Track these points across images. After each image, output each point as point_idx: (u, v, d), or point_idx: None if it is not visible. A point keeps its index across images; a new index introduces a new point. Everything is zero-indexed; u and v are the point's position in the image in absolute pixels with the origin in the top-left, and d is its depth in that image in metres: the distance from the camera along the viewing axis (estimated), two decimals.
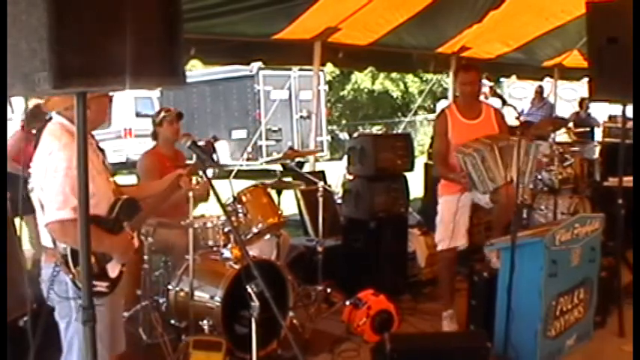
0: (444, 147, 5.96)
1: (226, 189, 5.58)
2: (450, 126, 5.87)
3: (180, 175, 4.27)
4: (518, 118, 5.50)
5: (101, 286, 3.57)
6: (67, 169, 3.27)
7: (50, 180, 3.35)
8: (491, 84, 13.75)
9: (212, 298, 5.14)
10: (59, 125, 3.51)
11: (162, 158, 6.12)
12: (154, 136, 6.28)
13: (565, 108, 17.18)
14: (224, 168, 5.31)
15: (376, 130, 27.76)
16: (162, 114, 6.19)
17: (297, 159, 10.92)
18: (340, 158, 16.43)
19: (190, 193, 5.06)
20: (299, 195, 8.13)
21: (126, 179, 12.07)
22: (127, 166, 16.83)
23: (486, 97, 12.84)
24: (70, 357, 3.58)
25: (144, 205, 3.99)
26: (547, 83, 15.27)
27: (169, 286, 5.49)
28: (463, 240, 5.90)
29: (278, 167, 8.97)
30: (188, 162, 5.81)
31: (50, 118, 3.62)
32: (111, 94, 3.76)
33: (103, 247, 3.56)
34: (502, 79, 18.88)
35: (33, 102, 7.19)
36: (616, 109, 8.99)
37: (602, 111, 13.45)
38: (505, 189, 5.65)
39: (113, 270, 3.66)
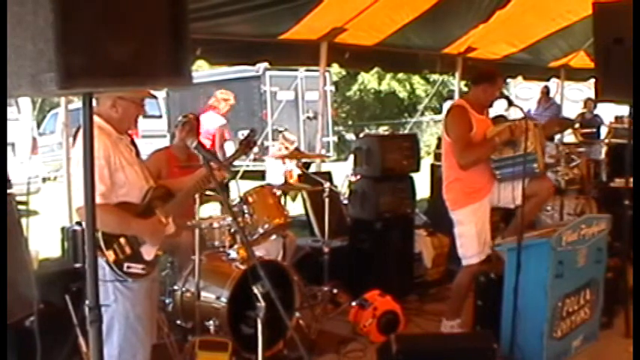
0: (470, 140, 5.50)
1: (233, 189, 5.59)
2: (473, 121, 5.53)
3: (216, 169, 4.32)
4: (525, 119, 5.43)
5: (136, 267, 3.76)
6: (94, 159, 3.36)
7: (81, 169, 3.47)
8: None
9: (218, 298, 5.15)
10: (94, 122, 3.62)
11: (170, 158, 6.18)
12: (173, 136, 6.56)
13: (571, 108, 17.14)
14: (230, 168, 5.35)
15: (382, 130, 27.73)
16: (180, 118, 6.34)
17: (304, 160, 10.92)
18: (346, 159, 16.41)
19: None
20: (305, 195, 8.13)
21: None
22: None
23: None
24: (109, 340, 3.67)
25: (180, 195, 4.21)
26: (553, 84, 15.25)
27: (175, 287, 5.51)
28: (490, 249, 5.69)
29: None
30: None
31: None
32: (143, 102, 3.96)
33: (131, 229, 3.75)
34: (508, 80, 18.82)
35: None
36: (622, 109, 9.00)
37: (608, 112, 13.44)
38: (545, 180, 5.67)
39: (148, 253, 3.84)
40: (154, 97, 4.30)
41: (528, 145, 5.26)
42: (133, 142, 4.04)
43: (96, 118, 3.61)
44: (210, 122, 8.88)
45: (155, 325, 4.19)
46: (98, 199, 3.25)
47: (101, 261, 3.59)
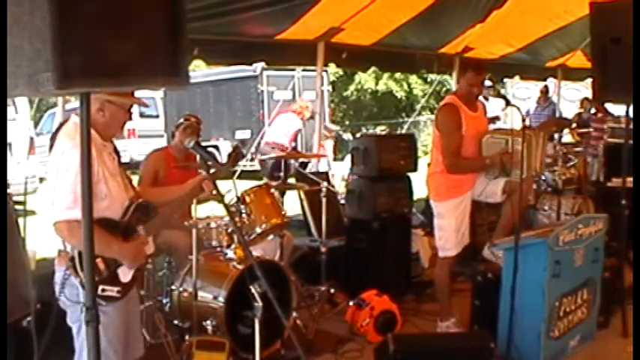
0: (460, 142, 5.57)
1: (230, 189, 5.58)
2: (463, 119, 5.55)
3: (204, 179, 4.19)
4: (524, 120, 5.42)
5: (111, 290, 3.55)
6: (78, 169, 3.25)
7: (61, 179, 3.36)
8: (491, 84, 13.72)
9: (215, 298, 5.15)
10: (74, 125, 3.49)
11: (168, 158, 6.18)
12: (173, 135, 6.53)
13: (569, 108, 17.17)
14: (228, 168, 5.40)
15: (380, 130, 27.72)
16: (182, 120, 6.32)
17: (300, 159, 10.95)
18: (343, 159, 16.39)
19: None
20: (302, 195, 8.13)
21: None
22: (131, 166, 16.85)
23: (486, 99, 12.84)
24: None
25: (165, 208, 3.98)
26: (550, 83, 15.27)
27: (173, 287, 5.51)
28: (468, 239, 5.78)
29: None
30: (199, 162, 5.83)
31: (67, 120, 3.65)
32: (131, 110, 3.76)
33: (112, 253, 3.53)
34: (505, 80, 18.84)
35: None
36: (620, 109, 9.01)
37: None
38: (528, 181, 5.65)
39: (125, 275, 3.62)
40: (146, 105, 4.16)
41: (517, 174, 5.29)
42: (115, 150, 3.83)
43: (79, 121, 3.42)
44: (292, 123, 10.96)
45: (140, 341, 3.99)
46: (78, 214, 2.99)
47: (75, 281, 3.42)
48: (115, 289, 3.57)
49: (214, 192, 4.00)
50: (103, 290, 3.51)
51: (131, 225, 3.66)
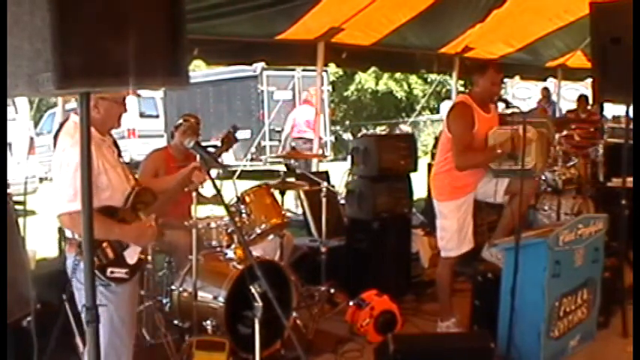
0: (470, 141, 5.51)
1: (230, 189, 5.58)
2: (476, 119, 5.50)
3: (195, 169, 4.33)
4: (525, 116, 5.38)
5: (120, 272, 3.72)
6: (78, 164, 3.32)
7: (63, 174, 3.52)
8: None
9: (215, 298, 5.15)
10: (74, 124, 3.64)
11: (168, 158, 6.18)
12: (172, 135, 6.54)
13: (569, 108, 17.17)
14: (228, 168, 5.42)
15: (380, 130, 27.73)
16: (181, 121, 6.30)
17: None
18: (344, 159, 16.39)
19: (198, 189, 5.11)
20: (302, 195, 8.12)
21: None
22: (131, 166, 16.81)
23: None
24: None
25: (161, 196, 4.13)
26: (550, 83, 15.27)
27: (173, 287, 5.51)
28: (472, 242, 5.76)
29: (282, 167, 8.98)
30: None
31: (67, 119, 3.80)
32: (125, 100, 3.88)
33: (114, 234, 3.69)
34: (505, 80, 18.84)
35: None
36: (620, 109, 9.00)
37: (606, 111, 13.45)
38: (533, 182, 5.67)
39: (131, 257, 3.78)
40: (138, 95, 4.19)
41: (528, 161, 5.26)
42: (115, 143, 4.01)
43: (77, 119, 3.42)
44: (310, 114, 11.84)
45: (135, 326, 4.15)
46: (79, 206, 3.03)
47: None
48: (124, 270, 3.73)
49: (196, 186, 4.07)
50: (112, 272, 3.68)
51: (133, 211, 3.83)
